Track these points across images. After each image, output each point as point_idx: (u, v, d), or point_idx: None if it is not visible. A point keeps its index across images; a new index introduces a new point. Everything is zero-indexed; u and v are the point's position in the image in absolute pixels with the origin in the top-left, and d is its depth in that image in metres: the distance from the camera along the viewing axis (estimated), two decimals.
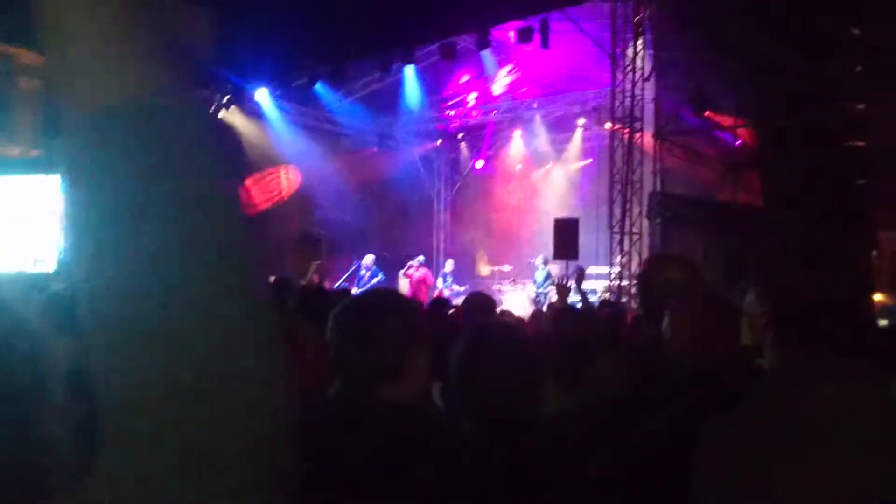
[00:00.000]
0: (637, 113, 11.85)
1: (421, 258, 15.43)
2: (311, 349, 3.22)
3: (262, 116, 16.19)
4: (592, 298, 11.71)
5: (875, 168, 10.20)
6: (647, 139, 12.09)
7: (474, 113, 17.93)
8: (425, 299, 11.80)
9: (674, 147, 12.11)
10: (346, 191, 18.61)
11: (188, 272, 0.51)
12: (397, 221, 18.87)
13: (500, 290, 16.05)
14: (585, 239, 13.00)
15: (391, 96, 16.50)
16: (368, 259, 14.70)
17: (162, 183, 0.51)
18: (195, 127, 0.55)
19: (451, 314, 5.58)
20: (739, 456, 1.28)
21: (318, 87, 14.81)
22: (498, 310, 5.78)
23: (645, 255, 11.92)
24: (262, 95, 15.52)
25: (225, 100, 15.27)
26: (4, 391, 0.94)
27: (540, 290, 12.95)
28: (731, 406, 1.36)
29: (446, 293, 14.06)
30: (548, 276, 12.74)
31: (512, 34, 12.53)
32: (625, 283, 11.78)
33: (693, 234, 11.41)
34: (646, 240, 12.16)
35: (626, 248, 11.88)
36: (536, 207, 18.51)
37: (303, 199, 17.73)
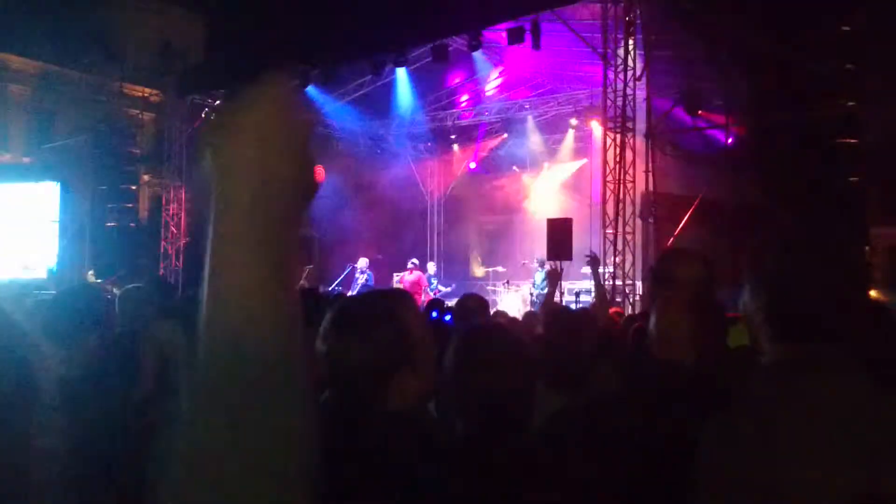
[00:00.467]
0: (629, 112, 11.86)
1: (415, 261, 15.44)
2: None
3: None
4: (585, 299, 11.76)
5: (867, 165, 10.24)
6: (640, 138, 12.12)
7: (466, 114, 17.94)
8: (419, 301, 11.80)
9: (666, 146, 12.14)
10: (339, 193, 18.60)
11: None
12: (390, 223, 18.88)
13: (494, 291, 16.08)
14: (579, 239, 13.01)
15: (383, 98, 16.50)
16: (362, 262, 14.71)
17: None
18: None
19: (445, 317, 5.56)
20: (740, 455, 1.27)
21: (310, 89, 14.79)
22: (492, 311, 5.78)
23: (639, 254, 11.94)
24: None
25: (217, 104, 15.25)
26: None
27: (541, 292, 12.96)
28: (729, 405, 1.36)
29: (431, 294, 14.09)
30: (546, 276, 12.75)
31: (503, 34, 12.53)
32: (619, 282, 11.79)
33: (685, 232, 11.44)
34: (639, 239, 12.17)
35: (619, 247, 11.89)
36: (529, 208, 18.54)
37: None
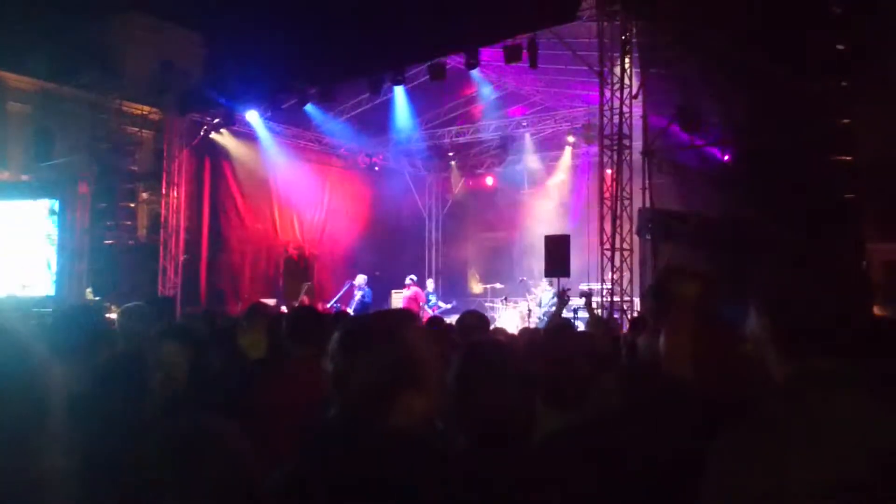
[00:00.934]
0: (626, 130, 11.93)
1: (413, 277, 15.47)
2: (303, 369, 3.22)
3: (253, 138, 16.22)
4: (583, 315, 11.75)
5: (862, 182, 10.29)
6: (636, 156, 12.17)
7: (464, 132, 18.03)
8: None
9: (662, 163, 12.18)
10: (338, 210, 18.65)
11: None
12: (389, 241, 18.91)
13: (492, 308, 16.09)
14: (576, 256, 13.05)
15: (381, 116, 16.58)
16: (360, 279, 14.73)
17: None
18: None
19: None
20: (749, 471, 1.28)
21: (309, 107, 14.86)
22: (491, 327, 5.80)
23: (636, 271, 11.95)
24: (253, 117, 15.54)
25: (216, 122, 15.32)
26: (3, 419, 0.93)
27: (549, 309, 12.98)
28: (738, 423, 1.36)
29: (430, 311, 14.11)
30: (555, 296, 12.76)
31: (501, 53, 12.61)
32: (616, 299, 11.80)
33: (682, 249, 11.45)
34: (637, 256, 12.19)
35: (617, 264, 11.91)
36: (527, 225, 18.57)
37: (293, 219, 17.75)
